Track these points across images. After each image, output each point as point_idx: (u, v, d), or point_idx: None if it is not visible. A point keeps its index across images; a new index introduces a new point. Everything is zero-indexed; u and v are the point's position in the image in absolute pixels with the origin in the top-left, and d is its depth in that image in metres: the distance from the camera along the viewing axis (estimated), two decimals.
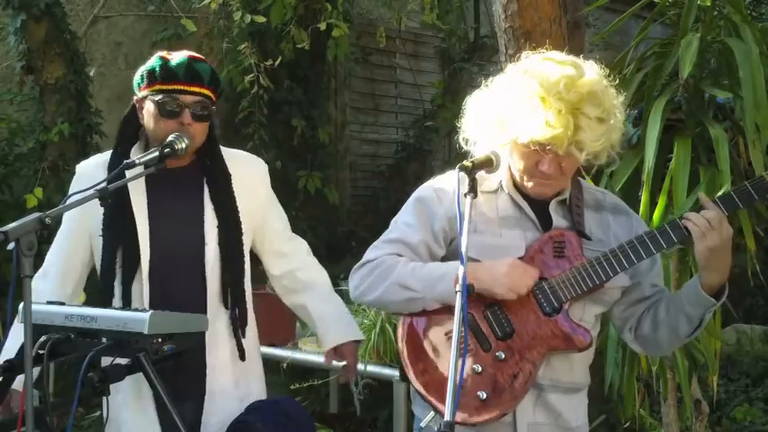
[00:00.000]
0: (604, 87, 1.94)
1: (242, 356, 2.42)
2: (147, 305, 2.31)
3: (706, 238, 1.88)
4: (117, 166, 2.23)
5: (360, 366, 3.67)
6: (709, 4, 2.97)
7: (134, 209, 2.36)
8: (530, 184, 2.03)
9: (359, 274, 2.11)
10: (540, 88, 1.89)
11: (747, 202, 1.95)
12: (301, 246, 2.66)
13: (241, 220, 2.45)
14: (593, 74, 1.95)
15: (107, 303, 2.35)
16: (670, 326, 2.04)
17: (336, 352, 2.57)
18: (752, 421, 4.95)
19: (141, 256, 2.34)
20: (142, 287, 2.34)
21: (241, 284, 2.43)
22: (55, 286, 2.41)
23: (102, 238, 2.37)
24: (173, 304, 2.20)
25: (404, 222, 2.12)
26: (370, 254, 2.12)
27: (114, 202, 2.29)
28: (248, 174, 2.51)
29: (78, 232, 2.44)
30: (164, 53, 2.38)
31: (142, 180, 2.36)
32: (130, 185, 2.33)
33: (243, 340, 2.43)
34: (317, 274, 2.63)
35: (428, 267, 2.03)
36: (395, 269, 2.03)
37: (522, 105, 1.91)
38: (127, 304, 2.32)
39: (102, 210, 2.30)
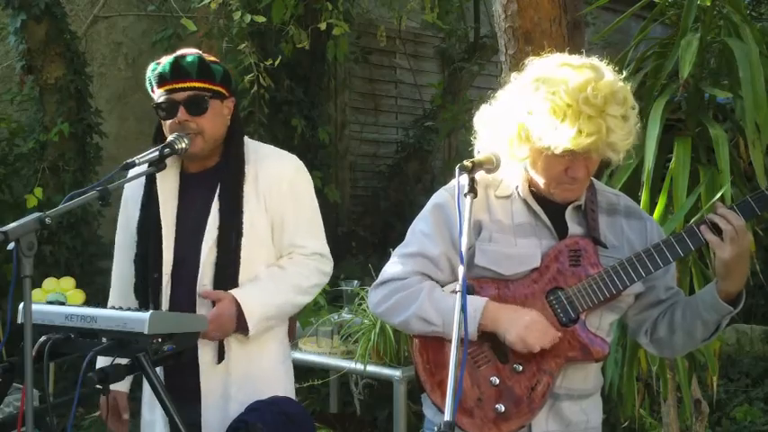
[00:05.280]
0: (621, 85, 1.92)
1: (220, 358, 2.38)
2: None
3: (727, 248, 1.87)
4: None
5: (360, 366, 3.68)
6: (709, 3, 2.97)
7: (162, 216, 2.39)
8: (557, 191, 1.99)
9: (380, 292, 2.09)
10: (566, 96, 1.84)
11: (766, 206, 1.92)
12: (308, 260, 2.53)
13: (257, 220, 2.41)
14: (609, 73, 1.92)
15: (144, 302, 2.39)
16: (686, 331, 2.02)
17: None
18: (752, 421, 4.94)
19: (163, 265, 2.38)
20: (162, 293, 2.38)
21: (234, 287, 2.37)
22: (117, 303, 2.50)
23: (136, 242, 2.43)
24: (178, 309, 2.29)
25: (421, 232, 2.08)
26: (391, 270, 2.08)
27: (147, 209, 2.40)
28: (273, 171, 2.47)
29: (127, 239, 2.49)
30: (161, 59, 2.40)
31: (175, 187, 2.42)
32: (162, 192, 2.39)
33: (226, 341, 2.39)
34: (290, 267, 2.48)
35: (451, 301, 1.94)
36: (417, 299, 2.00)
37: (548, 116, 1.86)
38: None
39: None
